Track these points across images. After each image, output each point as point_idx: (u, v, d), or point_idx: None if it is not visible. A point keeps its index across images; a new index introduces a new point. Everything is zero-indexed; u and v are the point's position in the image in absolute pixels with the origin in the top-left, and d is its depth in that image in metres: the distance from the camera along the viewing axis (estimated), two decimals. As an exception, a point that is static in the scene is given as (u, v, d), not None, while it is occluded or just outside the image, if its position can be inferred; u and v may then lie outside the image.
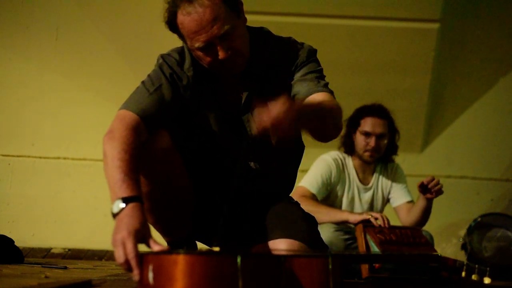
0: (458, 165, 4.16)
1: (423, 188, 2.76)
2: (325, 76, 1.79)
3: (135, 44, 4.07)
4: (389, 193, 3.09)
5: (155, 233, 1.55)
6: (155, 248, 1.35)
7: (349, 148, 3.05)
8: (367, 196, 3.04)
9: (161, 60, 1.76)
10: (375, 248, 2.44)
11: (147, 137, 1.65)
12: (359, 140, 3.00)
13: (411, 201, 3.03)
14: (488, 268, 2.09)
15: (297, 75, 1.76)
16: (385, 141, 3.02)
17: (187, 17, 1.60)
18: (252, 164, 1.84)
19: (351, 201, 3.01)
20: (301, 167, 2.00)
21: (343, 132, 2.85)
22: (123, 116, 1.61)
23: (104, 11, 4.09)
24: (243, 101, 1.79)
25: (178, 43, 1.82)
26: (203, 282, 1.16)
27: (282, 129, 1.35)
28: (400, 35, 3.77)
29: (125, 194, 1.42)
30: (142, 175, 1.65)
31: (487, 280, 2.04)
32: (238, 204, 1.89)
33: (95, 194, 3.97)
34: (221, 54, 1.63)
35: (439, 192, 2.76)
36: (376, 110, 3.02)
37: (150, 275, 1.22)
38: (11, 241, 2.73)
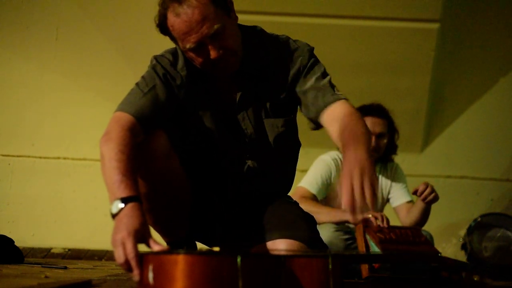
0: (458, 165, 4.15)
1: (419, 194, 2.76)
2: (328, 75, 1.79)
3: (135, 44, 4.07)
4: (388, 193, 3.09)
5: (155, 233, 1.55)
6: (155, 248, 1.35)
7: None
8: (367, 196, 3.04)
9: (154, 61, 1.77)
10: (375, 248, 2.44)
11: (143, 138, 1.66)
12: (359, 140, 3.00)
13: (410, 201, 3.03)
14: (488, 268, 2.09)
15: (306, 83, 1.77)
16: (385, 141, 3.02)
17: (176, 19, 1.61)
18: (249, 162, 1.85)
19: (351, 201, 3.00)
20: (301, 167, 2.00)
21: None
22: (119, 118, 1.62)
23: (104, 11, 4.09)
24: (237, 100, 1.79)
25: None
26: (203, 282, 1.16)
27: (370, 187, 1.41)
28: (400, 35, 3.77)
29: (124, 194, 1.42)
30: (139, 176, 1.65)
31: (487, 280, 2.05)
32: (237, 204, 1.89)
33: (95, 194, 3.97)
34: (212, 54, 1.64)
35: (433, 200, 2.75)
36: (375, 110, 3.02)
37: (150, 275, 1.22)
38: (11, 241, 2.73)
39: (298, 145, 1.97)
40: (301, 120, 1.90)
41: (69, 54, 4.12)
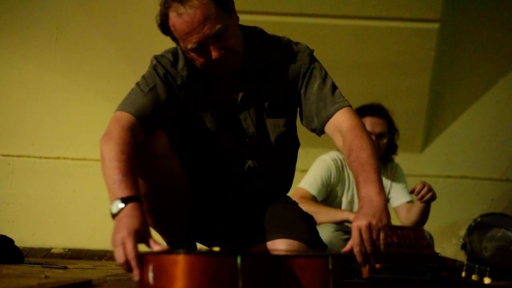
0: (458, 165, 4.15)
1: (416, 194, 2.75)
2: (330, 78, 1.80)
3: (135, 44, 4.07)
4: (388, 193, 3.09)
5: (155, 233, 1.55)
6: (155, 248, 1.35)
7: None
8: (367, 196, 3.04)
9: (155, 61, 1.77)
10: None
11: (144, 137, 1.66)
12: (359, 140, 2.99)
13: (410, 201, 3.03)
14: (488, 268, 2.08)
15: (307, 91, 1.78)
16: (385, 141, 3.02)
17: (178, 19, 1.60)
18: (250, 162, 1.85)
19: (351, 201, 3.01)
20: (301, 167, 2.00)
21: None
22: (119, 117, 1.62)
23: (104, 11, 4.08)
24: (239, 100, 1.79)
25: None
26: (203, 282, 1.16)
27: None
28: (400, 35, 3.77)
29: (124, 194, 1.42)
30: (140, 176, 1.65)
31: (487, 280, 2.04)
32: (237, 204, 1.90)
33: (95, 194, 3.97)
34: (214, 54, 1.64)
35: (431, 199, 2.74)
36: (375, 110, 3.02)
37: (150, 275, 1.22)
38: (11, 241, 2.73)
39: (297, 145, 1.97)
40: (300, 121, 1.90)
41: (69, 54, 4.12)
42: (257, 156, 1.85)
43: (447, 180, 4.11)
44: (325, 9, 3.71)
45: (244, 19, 1.80)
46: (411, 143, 4.02)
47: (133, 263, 1.28)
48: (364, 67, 3.90)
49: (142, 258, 1.27)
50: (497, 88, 4.13)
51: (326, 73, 1.80)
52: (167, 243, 1.89)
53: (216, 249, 1.25)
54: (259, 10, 3.55)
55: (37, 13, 4.11)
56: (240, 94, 1.78)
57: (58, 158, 4.10)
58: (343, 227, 2.81)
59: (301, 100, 1.80)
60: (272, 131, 1.83)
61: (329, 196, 2.99)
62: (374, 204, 1.49)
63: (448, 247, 4.03)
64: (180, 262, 1.17)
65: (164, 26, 1.66)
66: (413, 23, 3.73)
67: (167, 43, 1.82)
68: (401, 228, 2.63)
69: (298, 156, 2.00)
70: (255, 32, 1.82)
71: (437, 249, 3.03)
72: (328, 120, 1.73)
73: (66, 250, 3.89)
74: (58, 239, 3.96)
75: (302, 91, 1.79)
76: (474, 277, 2.07)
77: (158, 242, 1.37)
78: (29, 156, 4.09)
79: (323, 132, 1.78)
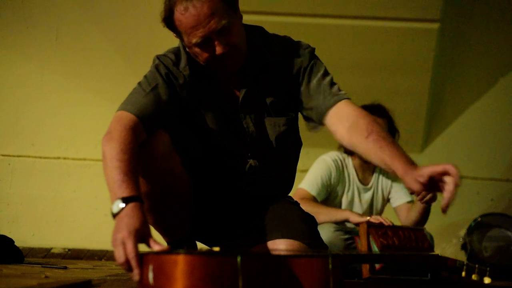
0: (458, 165, 4.10)
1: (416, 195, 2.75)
2: (330, 74, 1.80)
3: (135, 44, 4.07)
4: (389, 193, 3.09)
5: (155, 233, 1.55)
6: (155, 247, 1.35)
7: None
8: (367, 196, 3.04)
9: (157, 61, 1.77)
10: (375, 249, 2.44)
11: (146, 137, 1.66)
12: (359, 140, 2.99)
13: (411, 201, 3.03)
14: (488, 268, 2.09)
15: (308, 84, 1.78)
16: (385, 141, 3.01)
17: (185, 13, 1.60)
18: (251, 162, 1.85)
19: (351, 201, 3.01)
20: (301, 167, 2.00)
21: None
22: (121, 117, 1.62)
23: (104, 11, 4.09)
24: (240, 99, 1.79)
25: (178, 42, 1.82)
26: (203, 282, 1.16)
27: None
28: (400, 35, 3.77)
29: (125, 194, 1.42)
30: (141, 175, 1.65)
31: (487, 280, 2.04)
32: (238, 203, 1.89)
33: (95, 194, 3.97)
34: (218, 50, 1.64)
35: (431, 200, 2.74)
36: (375, 110, 3.02)
37: (150, 275, 1.22)
38: (11, 241, 2.73)
39: (299, 144, 1.97)
40: (302, 120, 1.90)
41: (69, 54, 4.12)
42: (258, 155, 1.85)
43: (447, 180, 4.10)
44: (325, 9, 3.71)
45: (245, 19, 1.80)
46: (411, 143, 4.02)
47: (133, 263, 1.28)
48: (364, 67, 3.90)
49: (142, 258, 1.27)
50: (497, 88, 4.13)
51: (325, 70, 1.81)
52: (168, 243, 1.89)
53: (216, 249, 1.25)
54: (260, 10, 3.55)
55: (37, 13, 4.12)
56: (243, 92, 1.78)
57: (58, 158, 4.10)
58: (343, 227, 2.81)
59: (300, 96, 1.81)
60: (272, 130, 1.83)
61: (329, 196, 2.99)
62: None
63: (448, 247, 4.03)
64: (180, 262, 1.17)
65: (169, 20, 1.66)
66: (413, 23, 3.73)
67: (167, 43, 1.82)
68: (402, 228, 2.64)
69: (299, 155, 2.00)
70: (257, 31, 1.83)
71: (437, 249, 3.04)
72: (327, 111, 1.73)
73: (66, 250, 3.89)
74: (58, 239, 3.96)
75: (301, 86, 1.79)
76: (474, 277, 2.07)
77: (158, 242, 1.36)
78: (29, 156, 4.09)
79: (322, 125, 1.78)
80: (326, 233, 2.66)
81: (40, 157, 4.09)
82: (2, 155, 4.09)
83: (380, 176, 3.08)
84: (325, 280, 1.31)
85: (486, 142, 4.15)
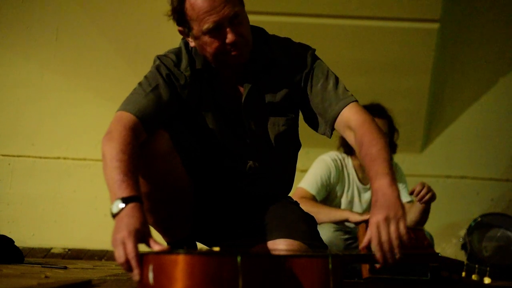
0: (458, 165, 4.15)
1: (415, 195, 2.75)
2: (333, 74, 1.80)
3: (135, 44, 4.07)
4: (389, 193, 3.08)
5: (155, 233, 1.55)
6: (155, 248, 1.35)
7: (348, 148, 3.05)
8: (366, 196, 3.04)
9: (158, 61, 1.77)
10: (375, 249, 2.43)
11: (146, 137, 1.66)
12: (359, 140, 2.99)
13: (410, 201, 3.03)
14: (488, 268, 2.09)
15: (311, 91, 1.79)
16: (385, 141, 3.01)
17: None
18: (251, 163, 1.85)
19: (351, 201, 3.01)
20: (301, 167, 2.00)
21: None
22: (121, 117, 1.62)
23: (104, 11, 4.09)
24: (243, 100, 1.79)
25: (178, 43, 1.82)
26: (203, 282, 1.16)
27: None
28: (400, 35, 3.77)
29: (125, 194, 1.42)
30: (141, 175, 1.65)
31: (487, 280, 2.05)
32: (238, 203, 1.89)
33: (95, 194, 3.97)
34: (229, 37, 1.64)
35: (430, 200, 2.74)
36: (375, 110, 3.02)
37: (150, 275, 1.22)
38: (11, 241, 2.73)
39: (298, 145, 1.97)
40: (302, 121, 1.90)
41: (69, 54, 4.12)
42: (258, 155, 1.85)
43: (447, 180, 4.11)
44: (325, 9, 3.71)
45: (245, 19, 1.80)
46: (411, 143, 4.02)
47: (133, 263, 1.29)
48: (364, 67, 3.90)
49: (142, 258, 1.27)
50: (497, 88, 4.13)
51: (328, 70, 1.81)
52: (168, 243, 1.89)
53: (216, 249, 1.25)
54: (260, 10, 3.55)
55: (37, 13, 4.12)
56: (247, 88, 1.78)
57: (58, 158, 4.10)
58: (343, 227, 2.81)
59: (304, 101, 1.81)
60: (272, 130, 1.83)
61: (328, 196, 3.00)
62: (387, 197, 1.48)
63: (448, 247, 4.03)
64: (180, 262, 1.17)
65: (180, 8, 1.66)
66: (413, 23, 3.73)
67: (167, 43, 1.82)
68: (402, 228, 2.63)
69: (298, 156, 2.00)
70: (259, 31, 1.84)
71: (437, 249, 3.03)
72: (335, 118, 1.74)
73: (66, 250, 3.89)
74: (58, 239, 3.96)
75: (306, 92, 1.80)
76: (474, 277, 2.07)
77: (158, 242, 1.37)
78: (29, 156, 4.09)
79: (333, 131, 1.79)
80: (326, 233, 2.66)
81: (40, 157, 4.09)
82: (2, 155, 4.09)
83: (380, 176, 3.08)
84: (325, 280, 1.31)
85: (486, 142, 4.15)
